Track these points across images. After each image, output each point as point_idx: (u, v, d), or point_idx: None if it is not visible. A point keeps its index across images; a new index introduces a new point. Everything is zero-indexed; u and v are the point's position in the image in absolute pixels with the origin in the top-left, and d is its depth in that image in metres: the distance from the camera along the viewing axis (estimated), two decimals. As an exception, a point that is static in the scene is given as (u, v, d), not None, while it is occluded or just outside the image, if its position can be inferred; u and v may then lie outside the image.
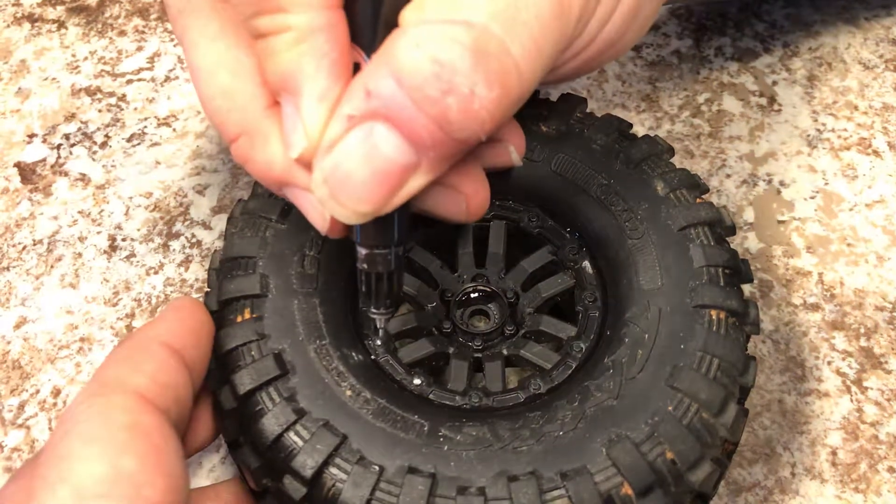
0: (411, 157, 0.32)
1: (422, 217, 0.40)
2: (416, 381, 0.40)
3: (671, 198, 0.41)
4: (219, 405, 0.38)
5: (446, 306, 0.44)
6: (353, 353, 0.39)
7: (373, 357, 0.40)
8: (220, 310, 0.39)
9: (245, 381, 0.36)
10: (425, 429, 0.36)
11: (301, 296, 0.39)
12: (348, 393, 0.36)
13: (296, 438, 0.35)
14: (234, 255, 0.40)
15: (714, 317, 0.38)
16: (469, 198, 0.39)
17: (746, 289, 0.48)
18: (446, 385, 0.40)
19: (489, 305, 0.44)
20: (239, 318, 0.38)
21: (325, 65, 0.32)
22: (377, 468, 0.34)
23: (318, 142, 0.33)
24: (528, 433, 0.35)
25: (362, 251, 0.37)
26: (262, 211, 0.41)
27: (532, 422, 0.36)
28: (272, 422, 0.35)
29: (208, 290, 0.41)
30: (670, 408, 0.35)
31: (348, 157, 0.32)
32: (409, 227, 0.37)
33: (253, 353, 0.37)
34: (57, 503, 0.30)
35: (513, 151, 0.40)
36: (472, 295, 0.44)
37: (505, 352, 0.42)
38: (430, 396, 0.39)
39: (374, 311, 0.39)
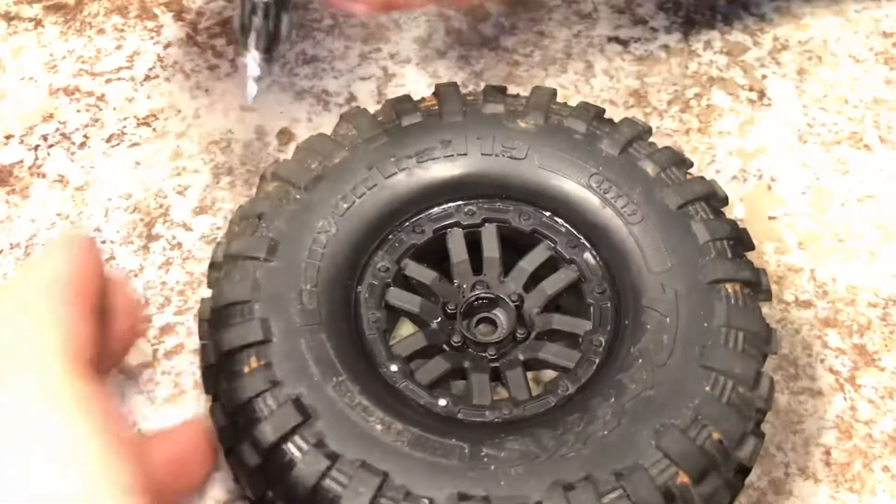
0: None
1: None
2: (442, 402, 0.38)
3: (663, 177, 0.41)
4: (240, 463, 0.36)
5: (451, 320, 0.42)
6: (373, 385, 0.37)
7: (392, 384, 0.39)
8: (222, 362, 0.37)
9: (268, 433, 0.34)
10: (466, 451, 0.35)
11: (307, 333, 0.37)
12: (378, 427, 0.35)
13: (334, 485, 0.33)
14: (227, 302, 0.38)
15: (730, 290, 0.38)
16: None
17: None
18: (471, 401, 0.39)
19: (494, 312, 0.43)
20: (246, 369, 0.36)
21: None
22: (427, 501, 0.33)
23: None
24: (572, 438, 0.35)
25: None
26: (248, 251, 0.39)
27: (573, 425, 0.35)
28: (305, 471, 0.34)
29: (203, 342, 0.39)
30: (708, 388, 0.35)
31: None
32: None
33: (269, 402, 0.35)
34: None
35: None
36: (475, 303, 0.43)
37: (521, 357, 0.41)
38: (459, 416, 0.38)
39: (246, 50, 0.36)
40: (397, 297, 0.42)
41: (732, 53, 0.58)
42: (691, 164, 0.42)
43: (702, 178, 0.41)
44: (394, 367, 0.39)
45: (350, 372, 0.37)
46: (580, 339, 0.41)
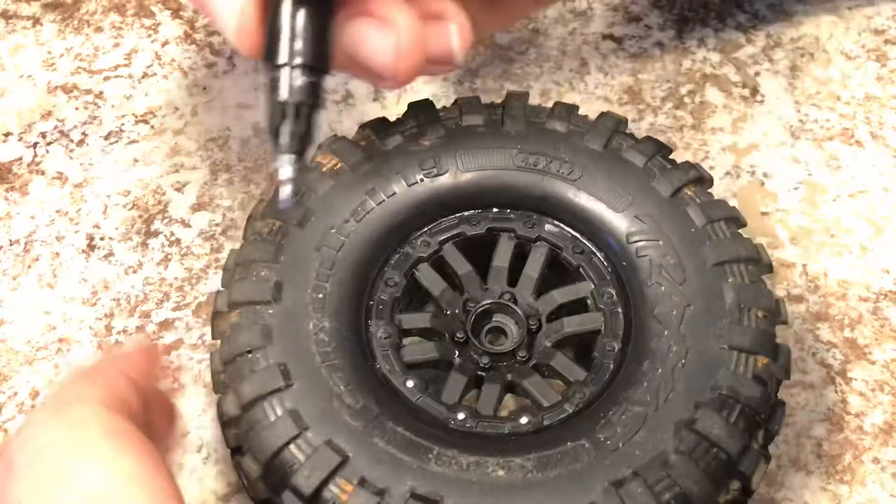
0: None
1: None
2: (472, 419, 0.38)
3: (650, 166, 0.42)
4: None
5: (467, 318, 0.42)
6: (401, 411, 0.37)
7: (416, 406, 0.38)
8: (246, 412, 0.36)
9: (309, 479, 0.34)
10: (511, 465, 0.34)
11: (329, 374, 0.37)
12: (418, 455, 0.35)
13: None
14: (240, 351, 0.37)
15: (735, 270, 0.38)
16: (400, 34, 0.33)
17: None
18: (499, 415, 0.39)
19: (505, 319, 0.43)
20: (272, 417, 0.35)
21: None
22: None
23: None
24: (610, 436, 0.35)
25: (270, 72, 0.33)
26: (254, 295, 0.38)
27: (608, 424, 0.35)
28: None
29: (220, 394, 0.38)
30: (732, 367, 0.36)
31: None
32: (322, 49, 0.33)
33: (303, 448, 0.34)
34: None
35: (454, 32, 0.35)
36: (490, 309, 0.43)
37: (537, 363, 0.41)
38: (488, 431, 0.38)
39: (278, 154, 0.33)
40: (408, 320, 0.42)
41: (726, 51, 0.59)
42: (671, 150, 0.44)
43: (688, 162, 0.42)
44: (410, 384, 0.39)
45: (378, 404, 0.36)
46: (594, 344, 0.41)
